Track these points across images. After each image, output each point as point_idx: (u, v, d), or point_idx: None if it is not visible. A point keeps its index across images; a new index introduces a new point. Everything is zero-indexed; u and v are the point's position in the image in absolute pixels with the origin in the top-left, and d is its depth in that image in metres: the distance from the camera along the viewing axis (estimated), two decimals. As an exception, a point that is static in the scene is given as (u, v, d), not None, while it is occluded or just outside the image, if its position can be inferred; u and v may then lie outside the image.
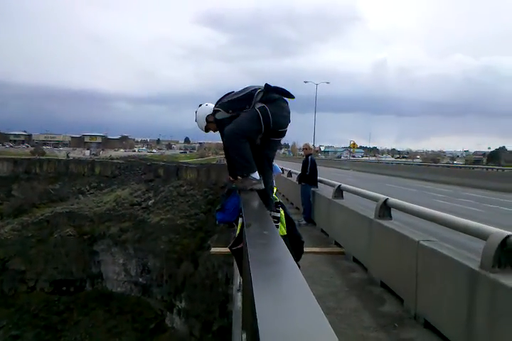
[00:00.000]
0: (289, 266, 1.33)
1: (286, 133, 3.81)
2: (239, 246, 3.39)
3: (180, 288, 34.80)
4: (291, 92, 3.73)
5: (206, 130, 3.90)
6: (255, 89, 3.64)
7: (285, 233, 3.86)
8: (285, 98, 3.70)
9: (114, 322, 35.35)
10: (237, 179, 3.78)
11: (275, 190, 4.04)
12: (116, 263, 39.69)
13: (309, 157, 11.07)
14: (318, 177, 11.21)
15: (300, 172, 11.40)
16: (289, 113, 3.71)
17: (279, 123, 3.64)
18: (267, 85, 3.66)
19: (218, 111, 3.74)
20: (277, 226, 3.81)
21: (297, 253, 3.99)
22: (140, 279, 38.64)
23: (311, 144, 12.72)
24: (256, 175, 3.62)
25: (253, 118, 3.55)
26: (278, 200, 3.95)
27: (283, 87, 3.68)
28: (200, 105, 3.96)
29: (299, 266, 3.99)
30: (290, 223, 4.00)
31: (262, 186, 3.67)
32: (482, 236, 3.82)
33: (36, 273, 39.44)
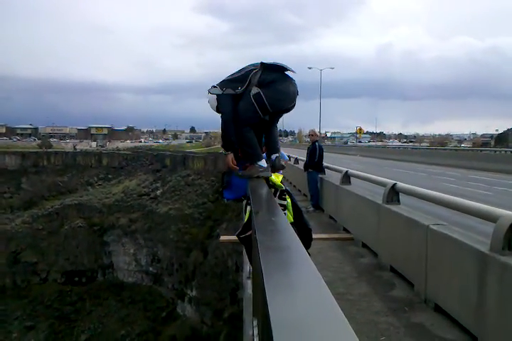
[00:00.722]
0: (298, 252, 1.33)
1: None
2: (247, 234, 3.39)
3: (190, 276, 35.16)
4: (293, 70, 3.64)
5: (218, 110, 3.87)
6: (251, 70, 3.59)
7: (292, 220, 3.85)
8: (286, 72, 3.62)
9: (126, 312, 35.86)
10: (228, 152, 3.83)
11: (281, 177, 4.03)
12: (127, 253, 40.13)
13: (316, 143, 10.98)
14: (325, 164, 11.16)
15: (306, 159, 11.32)
16: (288, 90, 3.60)
17: (278, 106, 3.61)
18: (262, 64, 3.59)
19: (215, 87, 3.75)
20: (284, 214, 3.81)
21: (306, 241, 3.98)
22: (151, 268, 39.06)
23: (317, 130, 12.64)
24: (263, 162, 3.62)
25: (249, 107, 3.55)
26: (284, 188, 3.94)
27: (280, 63, 3.58)
28: (213, 86, 3.93)
29: (309, 254, 3.99)
30: (297, 211, 3.98)
31: (270, 173, 3.67)
32: (491, 218, 3.80)
33: (48, 264, 39.97)
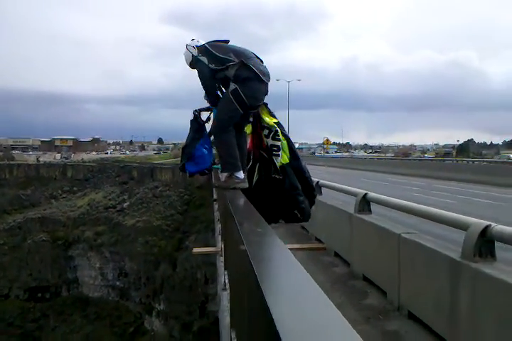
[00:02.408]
0: (289, 261, 1.33)
1: None
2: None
3: (158, 290, 34.52)
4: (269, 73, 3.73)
5: (191, 66, 3.88)
6: (230, 61, 3.61)
7: (287, 161, 3.79)
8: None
9: (91, 328, 34.84)
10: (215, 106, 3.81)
11: (275, 120, 3.90)
12: (93, 267, 39.12)
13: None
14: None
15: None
16: (262, 89, 3.67)
17: (253, 103, 3.66)
18: (242, 62, 3.60)
19: (193, 47, 3.84)
20: (278, 155, 3.76)
21: (307, 191, 3.87)
22: (117, 283, 38.17)
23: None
24: (240, 174, 3.62)
25: (228, 106, 3.61)
26: (277, 129, 3.81)
27: (258, 69, 3.61)
28: (192, 39, 3.94)
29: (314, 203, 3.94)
30: (294, 154, 3.83)
31: (246, 185, 3.67)
32: (462, 226, 3.91)
33: (10, 280, 38.55)
